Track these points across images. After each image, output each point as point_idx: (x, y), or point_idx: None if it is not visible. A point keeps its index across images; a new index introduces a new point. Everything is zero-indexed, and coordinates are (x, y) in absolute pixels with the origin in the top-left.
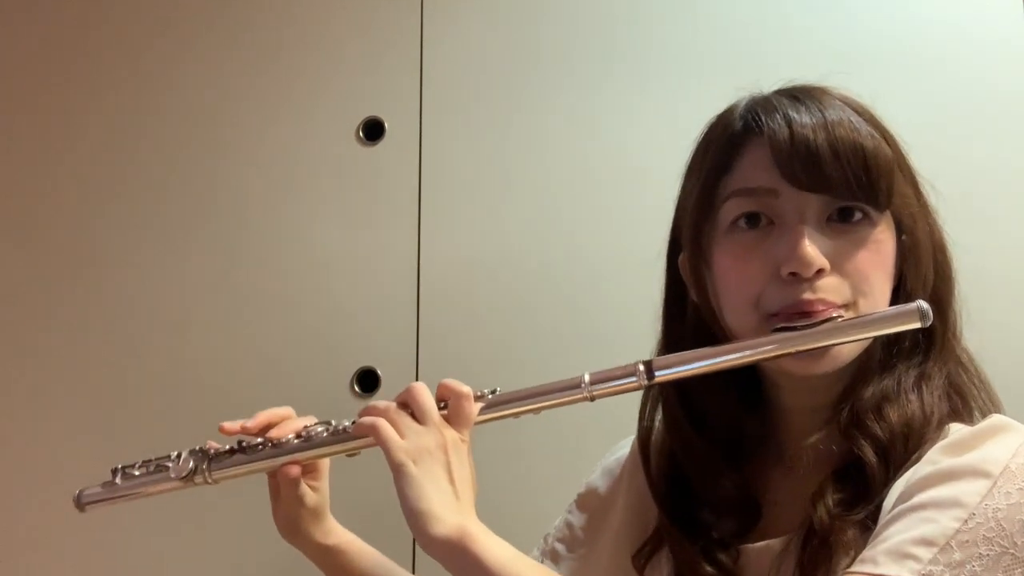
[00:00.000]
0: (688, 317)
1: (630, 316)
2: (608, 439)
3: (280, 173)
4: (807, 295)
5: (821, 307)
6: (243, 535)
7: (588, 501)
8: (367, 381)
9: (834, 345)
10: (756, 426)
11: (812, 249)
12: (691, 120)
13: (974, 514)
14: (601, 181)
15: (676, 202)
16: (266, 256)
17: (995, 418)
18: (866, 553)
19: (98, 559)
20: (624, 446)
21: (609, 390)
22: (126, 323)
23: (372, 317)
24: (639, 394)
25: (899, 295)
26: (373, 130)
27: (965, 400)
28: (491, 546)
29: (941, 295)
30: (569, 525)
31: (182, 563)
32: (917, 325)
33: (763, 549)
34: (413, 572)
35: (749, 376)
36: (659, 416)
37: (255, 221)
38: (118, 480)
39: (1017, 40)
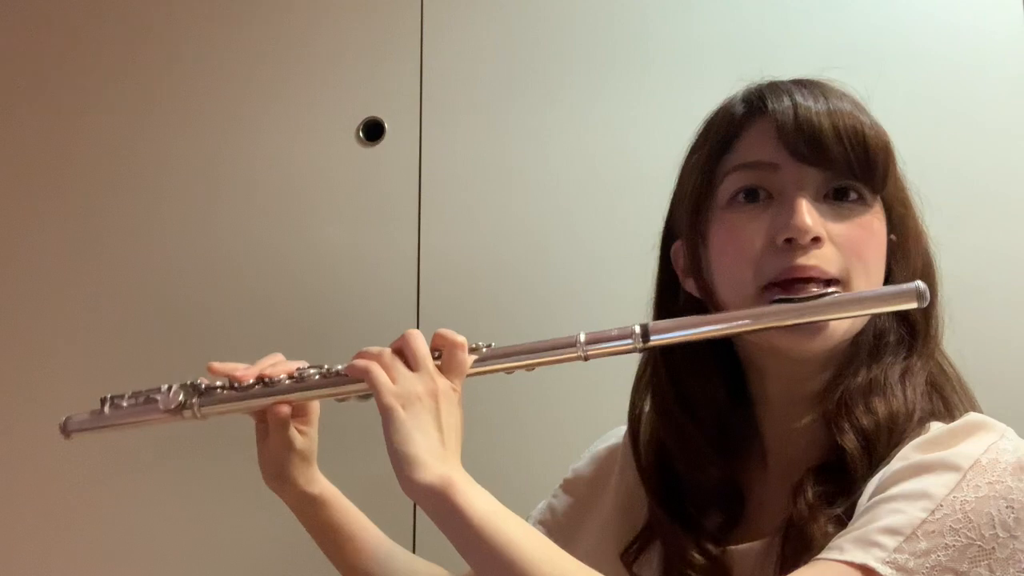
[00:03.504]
0: (680, 307)
1: (631, 314)
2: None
3: (280, 173)
4: (801, 260)
5: (816, 273)
6: (241, 522)
7: (574, 486)
8: None
9: (830, 320)
10: (741, 422)
11: (809, 216)
12: (692, 118)
13: (941, 505)
14: (602, 180)
15: (672, 192)
16: (266, 256)
17: (971, 416)
18: (834, 541)
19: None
20: (613, 435)
21: (603, 351)
22: (125, 319)
23: (372, 317)
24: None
25: None
26: (373, 130)
27: (947, 402)
28: (474, 497)
29: None
30: (552, 508)
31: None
32: (914, 305)
33: (747, 551)
34: (414, 550)
35: (735, 369)
36: (647, 406)
37: (255, 221)
38: (106, 409)
39: (1017, 40)
